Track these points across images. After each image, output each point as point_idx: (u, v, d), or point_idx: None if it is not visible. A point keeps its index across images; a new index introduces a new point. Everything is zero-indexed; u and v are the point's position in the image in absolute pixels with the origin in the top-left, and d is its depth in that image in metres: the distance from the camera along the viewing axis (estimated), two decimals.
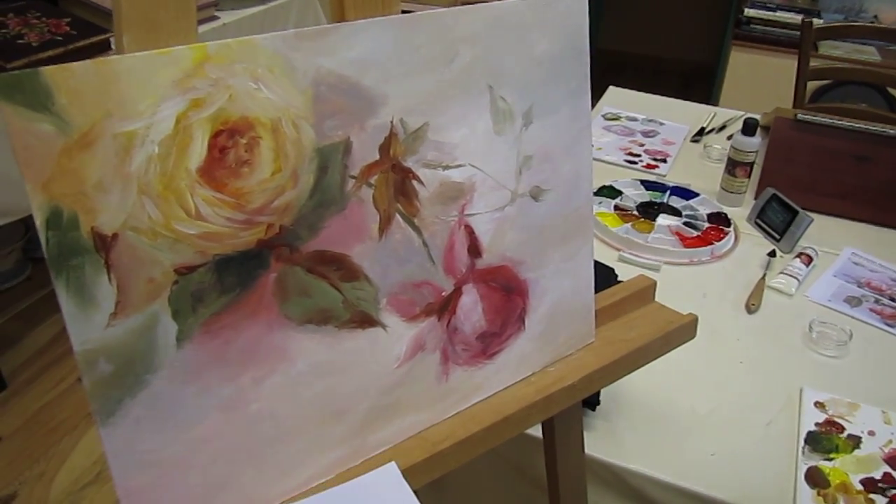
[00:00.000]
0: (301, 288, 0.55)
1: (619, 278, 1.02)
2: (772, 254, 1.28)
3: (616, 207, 1.38)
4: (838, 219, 1.42)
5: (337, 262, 0.56)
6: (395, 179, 0.58)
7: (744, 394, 0.98)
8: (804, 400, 0.96)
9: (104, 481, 1.69)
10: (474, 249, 0.65)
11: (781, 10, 2.91)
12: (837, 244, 1.33)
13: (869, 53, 2.75)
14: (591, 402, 0.91)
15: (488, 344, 0.68)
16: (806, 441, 0.89)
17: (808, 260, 1.25)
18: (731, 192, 1.43)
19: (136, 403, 0.49)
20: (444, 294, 0.64)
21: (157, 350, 0.49)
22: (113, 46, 0.47)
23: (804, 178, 1.44)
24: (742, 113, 1.81)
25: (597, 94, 1.81)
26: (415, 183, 0.59)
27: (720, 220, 1.36)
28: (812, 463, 0.86)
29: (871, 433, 0.91)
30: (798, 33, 2.09)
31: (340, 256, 0.56)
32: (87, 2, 1.95)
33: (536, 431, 0.85)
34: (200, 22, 2.15)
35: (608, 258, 1.23)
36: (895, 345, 1.09)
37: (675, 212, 1.38)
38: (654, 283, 0.85)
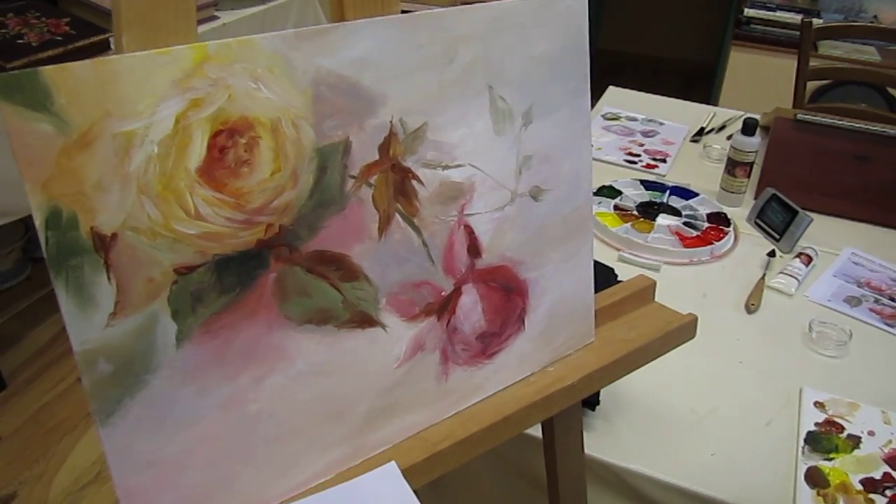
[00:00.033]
0: (301, 288, 0.54)
1: (618, 278, 1.02)
2: (771, 254, 1.28)
3: (616, 207, 1.38)
4: (838, 219, 1.42)
5: (336, 262, 0.56)
6: (394, 179, 0.58)
7: (743, 394, 0.98)
8: (804, 400, 0.96)
9: (104, 481, 1.69)
10: (474, 249, 0.65)
11: (781, 10, 2.91)
12: (837, 244, 1.33)
13: (869, 53, 2.75)
14: (591, 402, 0.91)
15: (488, 344, 0.68)
16: (806, 441, 0.89)
17: (808, 260, 1.25)
18: (731, 192, 1.43)
19: (135, 403, 0.49)
20: (443, 294, 0.64)
21: (157, 350, 0.49)
22: (112, 46, 0.47)
23: (804, 178, 1.44)
24: (742, 113, 1.82)
25: (596, 94, 1.81)
26: (414, 183, 0.59)
27: (720, 220, 1.36)
28: (812, 463, 0.86)
29: (871, 433, 0.91)
30: (798, 33, 2.09)
31: (340, 256, 0.56)
32: (87, 2, 1.95)
33: (536, 431, 0.85)
34: (200, 22, 2.15)
35: (608, 258, 1.23)
36: (895, 345, 1.09)
37: (675, 212, 1.38)
38: (654, 283, 0.85)
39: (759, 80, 2.88)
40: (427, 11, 0.57)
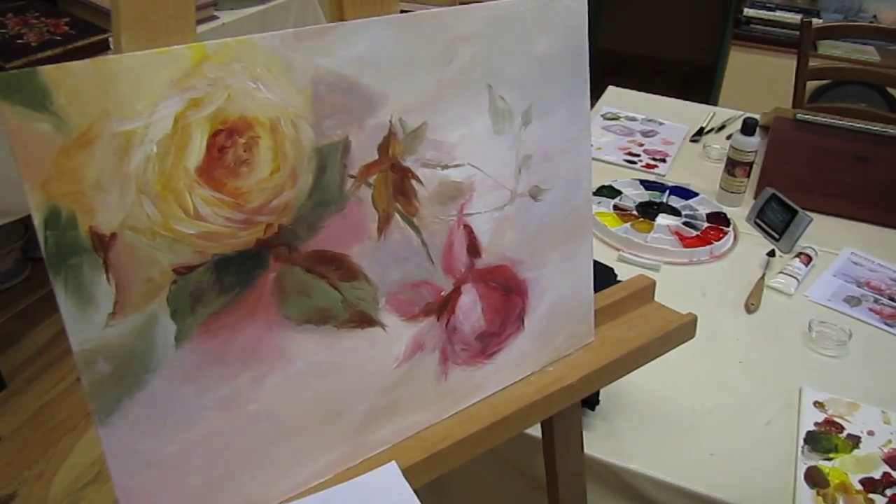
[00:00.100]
0: (300, 288, 0.54)
1: (618, 278, 1.02)
2: (771, 253, 1.28)
3: (615, 207, 1.38)
4: (838, 218, 1.42)
5: (336, 262, 0.56)
6: (394, 179, 0.58)
7: (743, 393, 0.98)
8: (803, 400, 0.96)
9: (103, 481, 1.69)
10: (473, 249, 0.65)
11: (781, 9, 2.91)
12: (837, 244, 1.33)
13: (868, 53, 2.75)
14: (591, 402, 0.91)
15: (487, 344, 0.68)
16: (805, 441, 0.89)
17: (808, 260, 1.25)
18: (731, 192, 1.43)
19: (134, 403, 0.49)
20: (443, 294, 0.64)
21: (156, 350, 0.49)
22: (112, 46, 0.47)
23: (803, 178, 1.44)
24: (741, 113, 1.81)
25: (596, 93, 1.81)
26: (414, 182, 0.59)
27: (719, 220, 1.36)
28: (811, 463, 0.86)
29: (871, 433, 0.91)
30: (797, 33, 2.09)
31: (339, 256, 0.56)
32: (86, 2, 1.95)
33: (536, 431, 0.85)
34: (199, 22, 2.15)
35: (607, 258, 1.23)
36: (895, 344, 1.09)
37: (675, 211, 1.38)
38: (654, 283, 0.85)
39: (759, 80, 2.88)
40: (426, 11, 0.57)
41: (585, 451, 0.85)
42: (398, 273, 0.60)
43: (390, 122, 0.56)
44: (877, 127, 1.44)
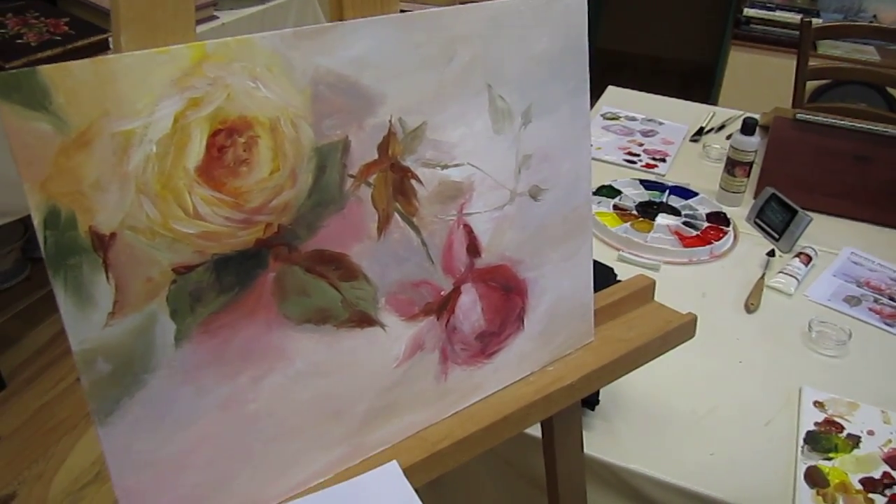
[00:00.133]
0: (300, 287, 0.54)
1: (618, 278, 1.02)
2: (771, 253, 1.28)
3: (615, 207, 1.38)
4: (837, 218, 1.42)
5: (336, 262, 0.56)
6: (393, 178, 0.58)
7: (743, 393, 0.98)
8: (803, 399, 0.96)
9: (103, 481, 1.69)
10: (473, 249, 0.65)
11: (781, 9, 2.91)
12: (836, 244, 1.33)
13: (868, 53, 2.75)
14: (591, 402, 0.91)
15: (487, 343, 0.68)
16: (805, 440, 0.89)
17: (808, 259, 1.25)
18: (731, 192, 1.43)
19: (134, 403, 0.49)
20: (442, 293, 0.64)
21: (156, 349, 0.49)
22: (112, 46, 0.47)
23: (803, 178, 1.44)
24: (741, 112, 1.81)
25: (596, 93, 1.81)
26: (413, 182, 0.59)
27: (719, 220, 1.36)
28: (811, 462, 0.86)
29: (871, 433, 0.91)
30: (797, 33, 2.09)
31: (339, 256, 0.56)
32: (86, 2, 1.95)
33: (536, 431, 0.85)
34: (199, 22, 2.15)
35: (607, 258, 1.23)
36: (894, 344, 1.09)
37: (675, 211, 1.38)
38: (654, 283, 0.85)
39: (759, 80, 2.88)
40: (426, 11, 0.57)
41: (585, 450, 0.85)
42: (398, 273, 0.60)
43: (390, 121, 0.56)
44: (877, 127, 1.44)
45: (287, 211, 0.52)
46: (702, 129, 1.76)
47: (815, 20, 2.04)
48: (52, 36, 1.74)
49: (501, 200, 0.65)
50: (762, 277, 1.21)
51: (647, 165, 1.59)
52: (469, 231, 0.64)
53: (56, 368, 2.03)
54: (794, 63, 2.07)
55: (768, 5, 2.93)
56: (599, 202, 1.39)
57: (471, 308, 0.66)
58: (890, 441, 0.90)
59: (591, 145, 1.30)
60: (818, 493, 0.82)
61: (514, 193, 0.66)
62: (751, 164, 1.40)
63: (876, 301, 1.18)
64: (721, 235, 1.31)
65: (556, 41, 0.65)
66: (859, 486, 0.83)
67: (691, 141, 1.72)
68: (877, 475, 0.85)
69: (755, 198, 1.40)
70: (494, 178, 0.64)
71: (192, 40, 0.47)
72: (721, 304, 1.16)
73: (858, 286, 1.21)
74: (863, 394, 0.97)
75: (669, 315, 0.82)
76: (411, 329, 0.62)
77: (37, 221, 0.43)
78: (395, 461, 0.60)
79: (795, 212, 1.29)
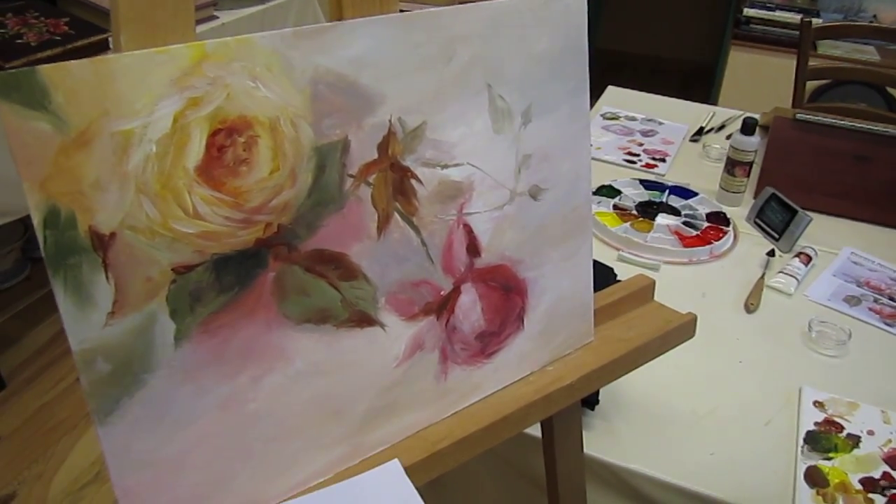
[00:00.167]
0: (299, 287, 0.54)
1: (618, 277, 1.02)
2: (771, 253, 1.28)
3: (615, 207, 1.38)
4: (837, 218, 1.42)
5: (335, 261, 0.56)
6: (393, 178, 0.58)
7: (743, 393, 0.98)
8: (803, 399, 0.96)
9: (103, 481, 1.69)
10: (473, 248, 0.65)
11: (780, 9, 2.91)
12: (836, 244, 1.33)
13: (868, 53, 2.75)
14: (591, 402, 0.91)
15: (487, 343, 0.68)
16: (805, 440, 0.89)
17: (808, 259, 1.25)
18: (731, 192, 1.43)
19: (134, 403, 0.49)
20: (442, 293, 0.64)
21: (155, 349, 0.49)
22: (111, 46, 0.47)
23: (803, 178, 1.44)
24: (741, 112, 1.81)
25: (595, 93, 1.81)
26: (413, 182, 0.59)
27: (719, 220, 1.35)
28: (811, 462, 0.86)
29: (871, 433, 0.91)
30: (797, 33, 2.09)
31: (339, 255, 0.56)
32: (86, 2, 1.95)
33: (535, 431, 0.85)
34: (199, 21, 2.15)
35: (607, 257, 1.23)
36: (894, 344, 1.09)
37: (674, 211, 1.38)
38: (653, 283, 0.85)
39: (759, 80, 2.88)
40: (426, 10, 0.57)
41: (585, 450, 0.85)
42: (398, 272, 0.60)
43: (390, 121, 0.56)
44: (877, 127, 1.44)
45: (287, 210, 0.52)
46: (702, 128, 1.76)
47: (815, 20, 2.04)
48: (51, 36, 1.74)
49: (501, 200, 0.65)
50: (762, 277, 1.21)
51: (647, 165, 1.59)
52: (469, 231, 0.64)
53: (56, 368, 2.03)
54: (794, 63, 2.07)
55: (768, 5, 2.93)
56: (599, 202, 1.39)
57: (471, 308, 0.66)
58: (890, 441, 0.90)
59: (591, 145, 1.30)
60: (818, 493, 0.82)
61: (513, 193, 0.66)
62: (751, 164, 1.40)
63: (876, 301, 1.18)
64: (721, 235, 1.31)
65: (556, 41, 0.65)
66: (859, 486, 0.83)
67: (691, 141, 1.72)
68: (877, 475, 0.85)
69: (755, 198, 1.40)
70: (494, 177, 0.64)
71: (191, 40, 0.47)
72: (721, 304, 1.16)
73: (858, 286, 1.21)
74: (863, 394, 0.97)
75: (669, 315, 0.82)
76: (411, 329, 0.62)
77: (36, 221, 0.43)
78: (396, 460, 0.60)
79: (795, 212, 1.29)
